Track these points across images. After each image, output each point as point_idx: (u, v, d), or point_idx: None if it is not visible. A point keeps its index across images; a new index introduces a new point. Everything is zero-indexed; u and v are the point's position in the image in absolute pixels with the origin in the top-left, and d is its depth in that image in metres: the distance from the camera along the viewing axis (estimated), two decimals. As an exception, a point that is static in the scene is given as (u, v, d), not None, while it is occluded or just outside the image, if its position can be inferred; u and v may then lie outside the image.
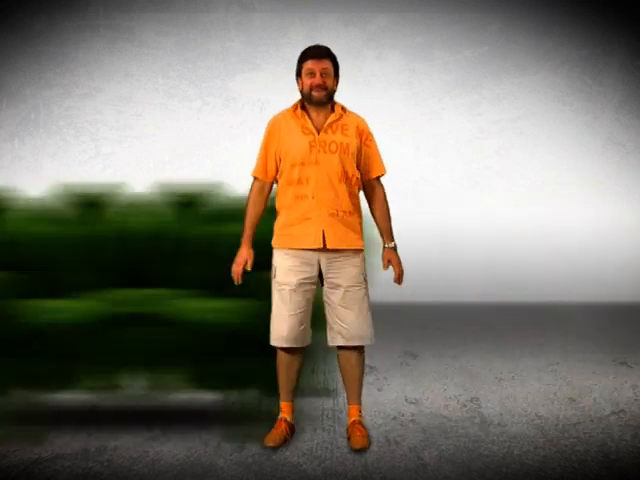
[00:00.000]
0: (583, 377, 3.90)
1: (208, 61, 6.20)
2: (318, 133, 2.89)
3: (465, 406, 3.41)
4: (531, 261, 5.85)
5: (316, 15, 6.13)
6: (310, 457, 2.83)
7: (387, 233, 3.01)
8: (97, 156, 6.22)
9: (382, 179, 3.05)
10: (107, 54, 6.17)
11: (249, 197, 3.02)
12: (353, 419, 2.97)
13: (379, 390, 3.64)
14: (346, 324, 2.90)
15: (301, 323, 2.90)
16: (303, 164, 2.88)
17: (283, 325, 2.89)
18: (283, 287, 2.91)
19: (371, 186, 3.02)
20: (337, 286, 2.91)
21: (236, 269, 2.94)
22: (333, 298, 2.93)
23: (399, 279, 2.96)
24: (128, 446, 2.94)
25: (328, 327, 2.96)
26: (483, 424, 3.19)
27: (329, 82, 2.88)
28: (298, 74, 2.93)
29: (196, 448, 2.92)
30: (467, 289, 6.04)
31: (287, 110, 2.97)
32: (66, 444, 2.96)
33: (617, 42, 6.20)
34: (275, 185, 3.02)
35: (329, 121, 2.90)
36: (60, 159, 6.22)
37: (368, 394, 3.35)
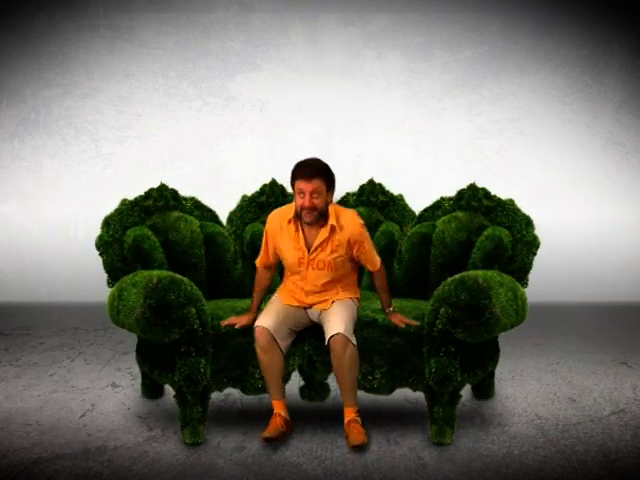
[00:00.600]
0: (583, 377, 3.91)
1: (208, 61, 6.19)
2: (308, 251, 3.04)
3: (465, 406, 3.41)
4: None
5: (316, 15, 6.12)
6: (310, 457, 2.83)
7: (388, 304, 3.15)
8: (97, 156, 6.22)
9: None
10: (107, 54, 6.17)
11: (257, 277, 3.22)
12: (349, 418, 2.97)
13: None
14: (331, 319, 2.98)
15: (283, 323, 3.00)
16: (295, 274, 3.11)
17: (268, 314, 3.01)
18: (275, 298, 3.16)
19: (371, 274, 3.20)
20: (324, 308, 3.10)
21: (232, 321, 3.05)
22: (324, 318, 3.07)
23: (413, 322, 3.05)
24: (128, 446, 2.95)
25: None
26: (483, 424, 3.20)
27: (319, 202, 2.95)
28: (292, 186, 3.03)
29: (196, 448, 2.92)
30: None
31: (284, 215, 3.08)
32: (66, 444, 2.96)
33: (617, 42, 6.19)
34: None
35: (319, 240, 3.02)
36: (60, 159, 6.22)
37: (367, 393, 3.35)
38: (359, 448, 2.88)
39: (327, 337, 2.91)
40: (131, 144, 6.20)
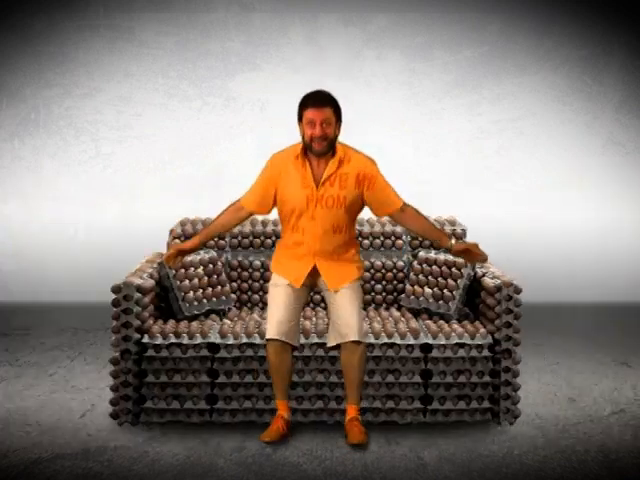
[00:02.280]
0: (583, 377, 3.91)
1: (208, 61, 6.19)
2: (317, 186, 2.91)
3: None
4: (531, 261, 5.84)
5: (316, 15, 6.11)
6: (310, 457, 2.84)
7: (443, 237, 3.01)
8: (97, 156, 6.21)
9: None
10: (107, 54, 6.16)
11: (228, 212, 3.04)
12: (351, 416, 2.98)
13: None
14: (342, 314, 2.95)
15: (290, 319, 2.94)
16: (300, 216, 2.94)
17: (272, 318, 2.94)
18: (275, 284, 3.03)
19: (396, 217, 3.03)
20: (336, 289, 3.01)
21: (172, 252, 3.04)
22: (331, 299, 2.99)
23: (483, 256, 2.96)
24: (128, 446, 2.95)
25: (330, 328, 3.00)
26: (483, 424, 3.20)
27: (330, 132, 2.87)
28: (299, 119, 2.93)
29: (196, 448, 2.92)
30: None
31: (289, 153, 2.97)
32: (66, 444, 2.96)
33: (617, 42, 6.19)
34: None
35: (327, 173, 2.91)
36: (60, 159, 6.21)
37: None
38: (358, 447, 2.88)
39: (339, 338, 2.92)
40: (131, 144, 6.20)
